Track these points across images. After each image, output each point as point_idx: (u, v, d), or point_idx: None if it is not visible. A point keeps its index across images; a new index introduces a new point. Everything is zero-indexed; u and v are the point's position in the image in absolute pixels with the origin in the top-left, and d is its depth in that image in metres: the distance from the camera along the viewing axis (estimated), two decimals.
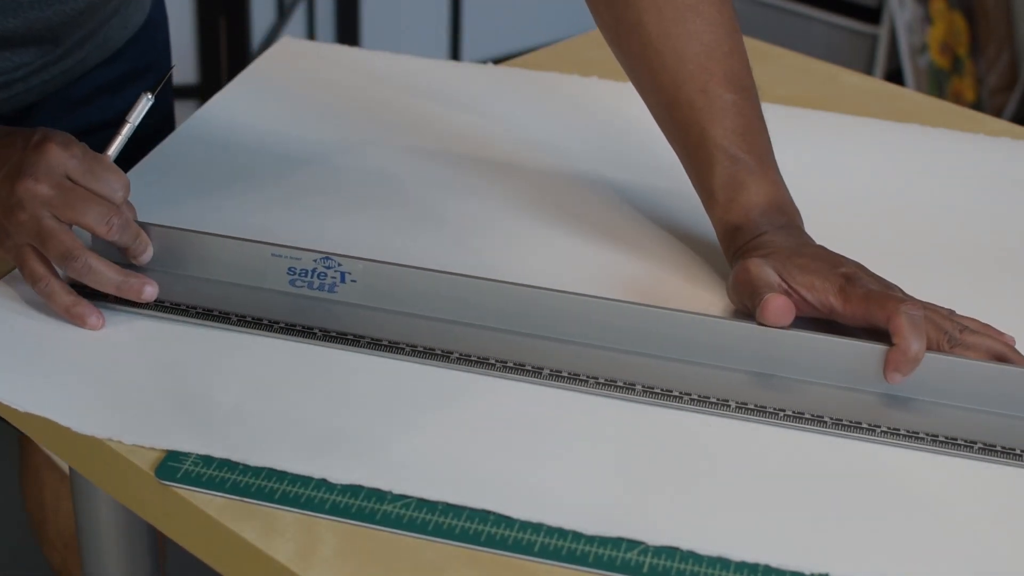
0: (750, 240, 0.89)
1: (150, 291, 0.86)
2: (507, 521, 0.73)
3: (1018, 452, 0.79)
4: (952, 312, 0.85)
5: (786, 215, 0.90)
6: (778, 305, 0.82)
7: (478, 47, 2.96)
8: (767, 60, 1.28)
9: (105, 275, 0.85)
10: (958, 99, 2.75)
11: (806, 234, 0.90)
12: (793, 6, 2.86)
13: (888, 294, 0.83)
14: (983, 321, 0.85)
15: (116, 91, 1.11)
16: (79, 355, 0.84)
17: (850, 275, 0.84)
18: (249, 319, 0.86)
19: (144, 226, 0.89)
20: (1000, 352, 0.83)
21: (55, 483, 1.31)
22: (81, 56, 1.06)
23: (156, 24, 1.16)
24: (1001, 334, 0.84)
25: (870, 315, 0.82)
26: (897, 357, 0.80)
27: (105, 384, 0.81)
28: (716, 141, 0.91)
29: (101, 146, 0.96)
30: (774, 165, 0.92)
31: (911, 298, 0.83)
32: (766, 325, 0.83)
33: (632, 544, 0.72)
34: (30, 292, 0.88)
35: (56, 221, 0.84)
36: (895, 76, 2.71)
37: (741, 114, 0.91)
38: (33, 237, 0.84)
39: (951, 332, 0.82)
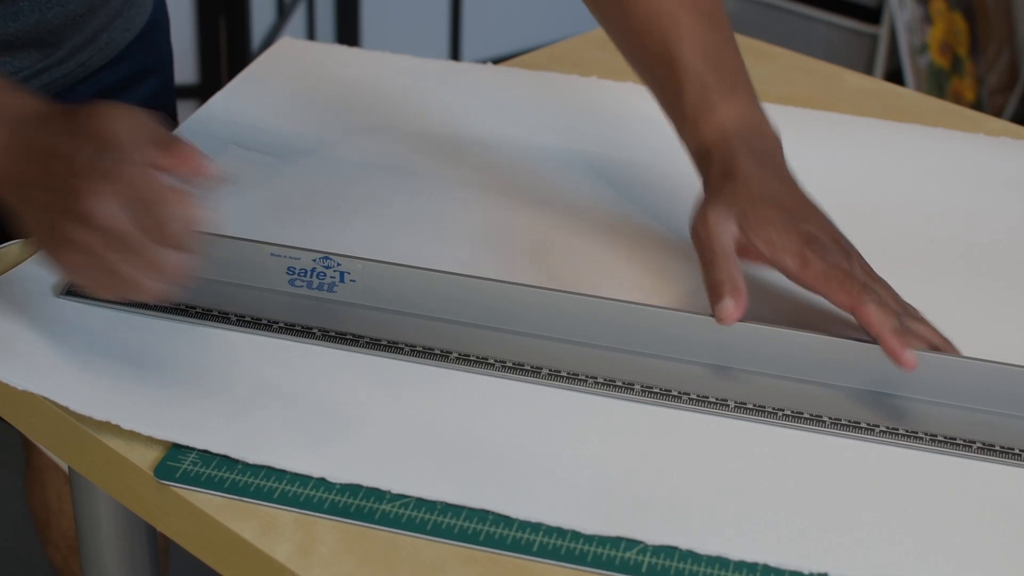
0: (722, 169, 0.88)
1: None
2: (506, 520, 0.73)
3: (1017, 452, 0.79)
4: (892, 291, 0.85)
5: (761, 136, 0.89)
6: (727, 315, 0.82)
7: (478, 47, 2.96)
8: (767, 60, 1.28)
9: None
10: (958, 99, 2.75)
11: (783, 162, 0.89)
12: (793, 6, 2.86)
13: (848, 276, 0.82)
14: (985, 319, 0.85)
15: (119, 94, 1.11)
16: (79, 355, 0.84)
17: (810, 237, 0.83)
18: (249, 319, 0.87)
19: None
20: (938, 344, 0.82)
21: (59, 484, 1.31)
22: (83, 59, 1.06)
23: (158, 25, 1.16)
24: (936, 331, 0.84)
25: (829, 294, 0.82)
26: (891, 346, 0.80)
27: (104, 383, 0.81)
28: (686, 62, 0.89)
29: None
30: (748, 87, 0.91)
31: (863, 274, 0.83)
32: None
33: (631, 543, 0.72)
34: (30, 288, 0.88)
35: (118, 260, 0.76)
36: (895, 76, 2.71)
37: (712, 38, 0.90)
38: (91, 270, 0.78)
39: (898, 313, 0.82)
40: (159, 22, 1.16)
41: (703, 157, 0.89)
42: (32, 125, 0.78)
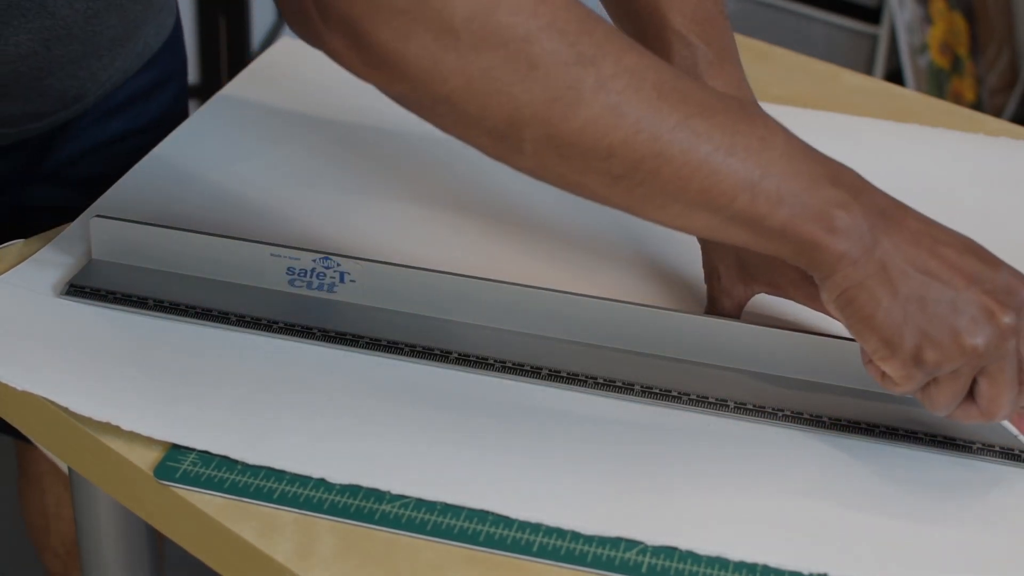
0: None
1: None
2: (506, 521, 0.73)
3: (1017, 452, 0.79)
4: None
5: None
6: None
7: None
8: (767, 60, 1.28)
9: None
10: (958, 99, 2.75)
11: None
12: (793, 6, 2.86)
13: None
14: None
15: (149, 98, 1.11)
16: (79, 355, 0.83)
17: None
18: (248, 319, 0.87)
19: (144, 226, 0.89)
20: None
21: (58, 490, 1.30)
22: (126, 66, 1.06)
23: (179, 30, 1.16)
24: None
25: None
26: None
27: (104, 383, 0.81)
28: (674, 28, 0.88)
29: (134, 152, 0.95)
30: (735, 61, 0.89)
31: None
32: None
33: (631, 544, 0.72)
34: (30, 288, 0.88)
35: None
36: (895, 76, 2.71)
37: (702, 6, 0.89)
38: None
39: None
40: (179, 26, 1.16)
41: None
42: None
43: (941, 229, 0.74)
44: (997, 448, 0.79)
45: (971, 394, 0.74)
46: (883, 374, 0.74)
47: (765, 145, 0.71)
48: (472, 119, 0.70)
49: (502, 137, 0.70)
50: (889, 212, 0.73)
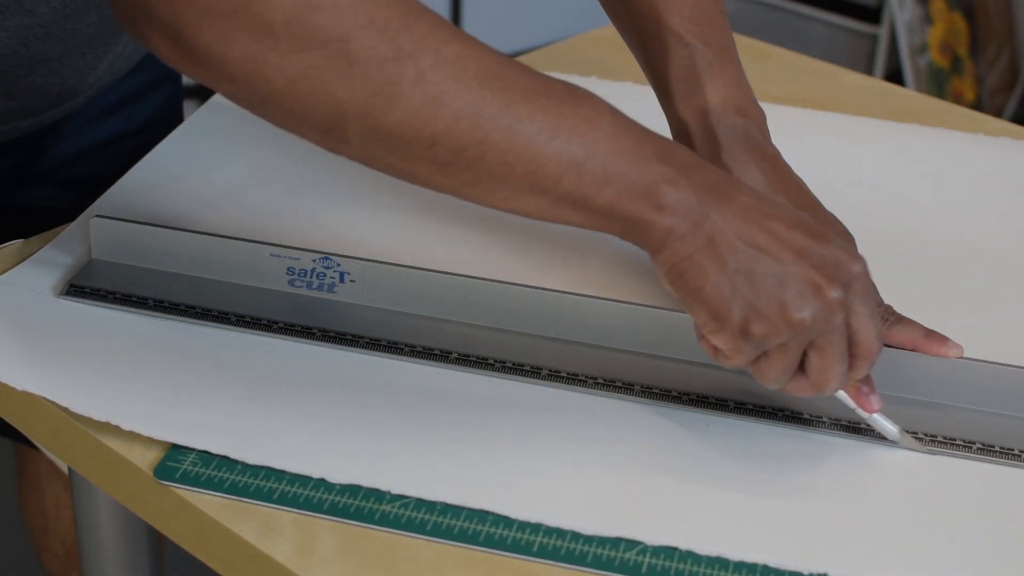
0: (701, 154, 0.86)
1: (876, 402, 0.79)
2: (506, 521, 0.73)
3: (1017, 452, 0.79)
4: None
5: (744, 115, 0.88)
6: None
7: None
8: (767, 60, 1.28)
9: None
10: (958, 99, 2.75)
11: (765, 140, 0.88)
12: (793, 6, 2.86)
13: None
14: (984, 319, 0.85)
15: (141, 99, 1.11)
16: (79, 355, 0.84)
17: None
18: (248, 319, 0.87)
19: (144, 226, 0.89)
20: (919, 341, 0.82)
21: (57, 491, 1.30)
22: (117, 68, 1.06)
23: None
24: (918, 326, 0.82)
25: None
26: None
27: (104, 383, 0.81)
28: (672, 28, 0.88)
29: (127, 154, 0.94)
30: (734, 61, 0.90)
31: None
32: None
33: (631, 544, 0.72)
34: (30, 288, 0.88)
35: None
36: (895, 76, 2.71)
37: (700, 6, 0.89)
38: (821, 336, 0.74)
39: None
40: None
41: (683, 134, 0.89)
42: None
43: (772, 204, 0.75)
44: (997, 448, 0.79)
45: (802, 367, 0.75)
46: (715, 348, 0.75)
47: (591, 126, 0.72)
48: (298, 116, 0.71)
49: (328, 131, 0.71)
50: (719, 187, 0.74)
